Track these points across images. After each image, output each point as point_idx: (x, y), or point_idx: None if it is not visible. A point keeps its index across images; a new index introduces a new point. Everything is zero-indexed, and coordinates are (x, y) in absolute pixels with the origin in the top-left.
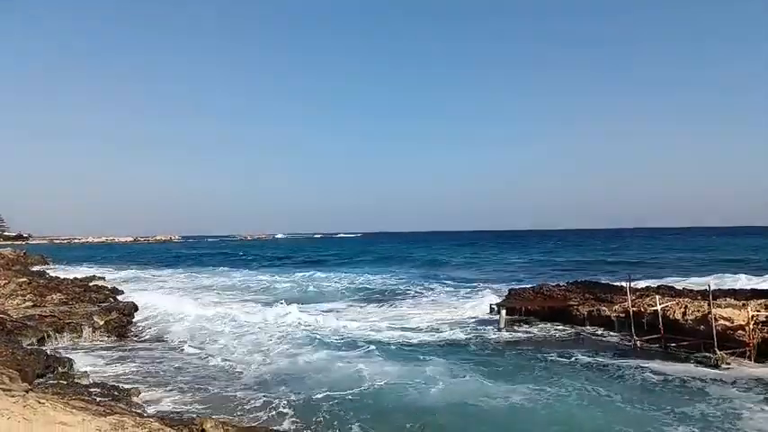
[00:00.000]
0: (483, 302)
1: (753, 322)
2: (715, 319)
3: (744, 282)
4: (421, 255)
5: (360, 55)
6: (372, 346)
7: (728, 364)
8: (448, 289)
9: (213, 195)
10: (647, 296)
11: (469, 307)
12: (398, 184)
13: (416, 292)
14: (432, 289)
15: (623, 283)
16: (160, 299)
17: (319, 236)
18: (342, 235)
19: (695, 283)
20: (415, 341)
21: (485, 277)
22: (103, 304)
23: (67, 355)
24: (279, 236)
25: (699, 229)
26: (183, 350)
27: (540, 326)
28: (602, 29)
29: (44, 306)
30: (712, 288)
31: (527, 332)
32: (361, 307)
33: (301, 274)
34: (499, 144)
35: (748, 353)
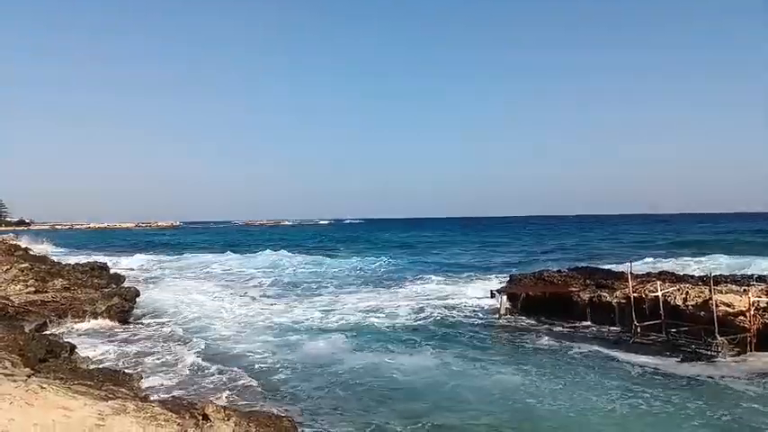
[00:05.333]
0: (482, 288)
1: (754, 308)
2: (716, 304)
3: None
4: (417, 240)
5: (358, 38)
6: (368, 331)
7: (729, 352)
8: (446, 275)
9: (214, 181)
10: (649, 282)
11: (469, 293)
12: (394, 171)
13: (414, 277)
14: (430, 275)
15: (624, 269)
16: (163, 283)
17: (326, 222)
18: (348, 221)
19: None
20: (414, 327)
21: (485, 263)
22: (105, 290)
23: (70, 340)
24: (286, 222)
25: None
26: (184, 336)
27: (540, 312)
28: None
29: (46, 292)
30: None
31: (528, 318)
32: (357, 292)
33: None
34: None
35: (749, 338)
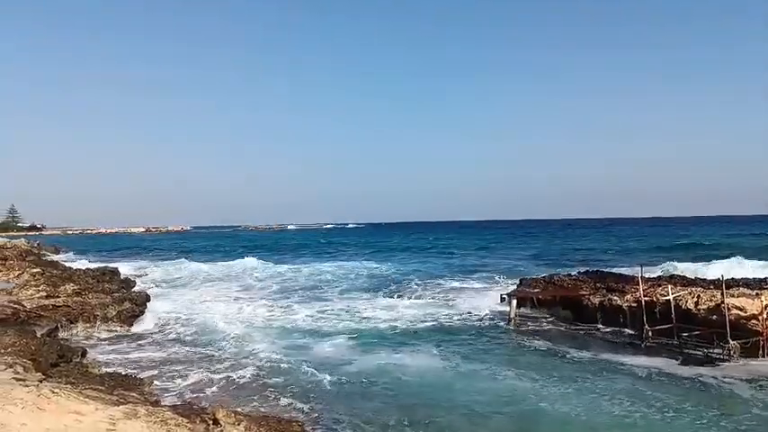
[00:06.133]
0: (492, 292)
1: (766, 311)
2: (728, 308)
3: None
4: (421, 244)
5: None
6: (375, 335)
7: (741, 356)
8: (454, 278)
9: (221, 183)
10: (659, 286)
11: (478, 297)
12: (395, 172)
13: (420, 281)
14: (437, 278)
15: (635, 272)
16: (171, 288)
17: (330, 226)
18: (352, 225)
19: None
20: (422, 330)
21: (492, 266)
22: (116, 294)
23: (81, 345)
24: (290, 227)
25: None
26: (192, 340)
27: (550, 316)
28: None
29: (57, 296)
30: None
31: (538, 322)
32: (364, 296)
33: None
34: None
35: (762, 342)
